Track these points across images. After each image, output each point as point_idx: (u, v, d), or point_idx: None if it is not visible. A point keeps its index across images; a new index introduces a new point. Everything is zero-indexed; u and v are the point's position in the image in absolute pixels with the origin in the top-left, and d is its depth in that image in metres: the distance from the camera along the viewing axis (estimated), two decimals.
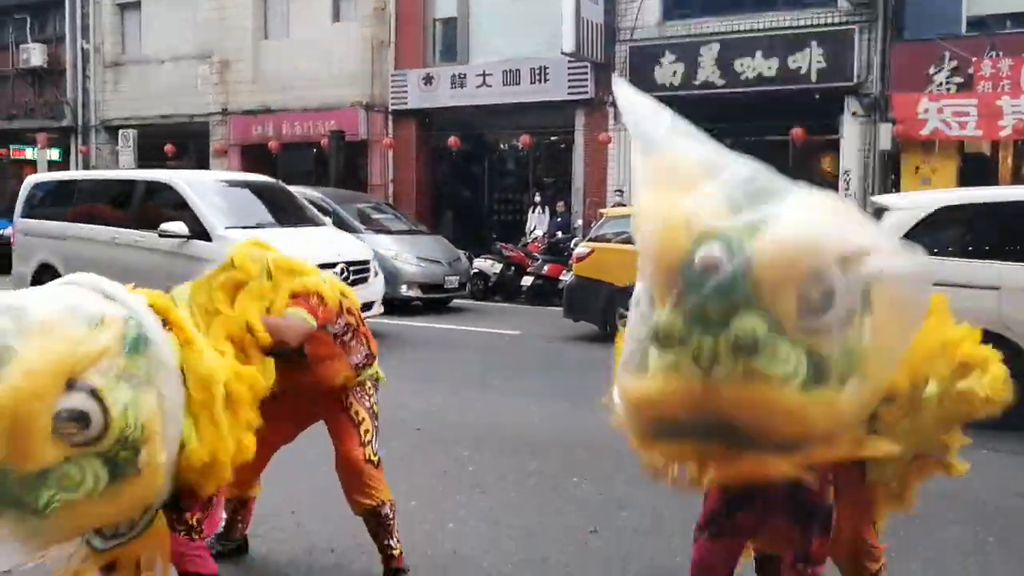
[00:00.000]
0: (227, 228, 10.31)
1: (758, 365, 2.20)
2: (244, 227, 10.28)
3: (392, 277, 12.72)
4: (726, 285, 2.22)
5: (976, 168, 15.41)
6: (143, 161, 23.61)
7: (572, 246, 14.27)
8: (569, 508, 5.05)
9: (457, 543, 4.54)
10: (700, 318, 2.24)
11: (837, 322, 2.26)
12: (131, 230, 11.05)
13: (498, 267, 15.64)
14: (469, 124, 20.06)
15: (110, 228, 11.31)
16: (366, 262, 11.10)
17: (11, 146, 27.43)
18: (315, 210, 12.30)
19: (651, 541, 4.54)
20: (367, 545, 3.99)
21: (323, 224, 11.82)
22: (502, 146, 21.15)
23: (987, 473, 5.38)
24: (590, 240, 11.77)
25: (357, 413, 3.90)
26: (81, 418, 2.51)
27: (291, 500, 4.89)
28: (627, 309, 9.21)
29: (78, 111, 25.55)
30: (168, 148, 23.15)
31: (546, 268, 14.75)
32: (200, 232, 10.38)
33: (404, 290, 13.25)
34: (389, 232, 14.55)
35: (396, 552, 3.93)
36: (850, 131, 15.81)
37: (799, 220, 2.29)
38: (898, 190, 15.72)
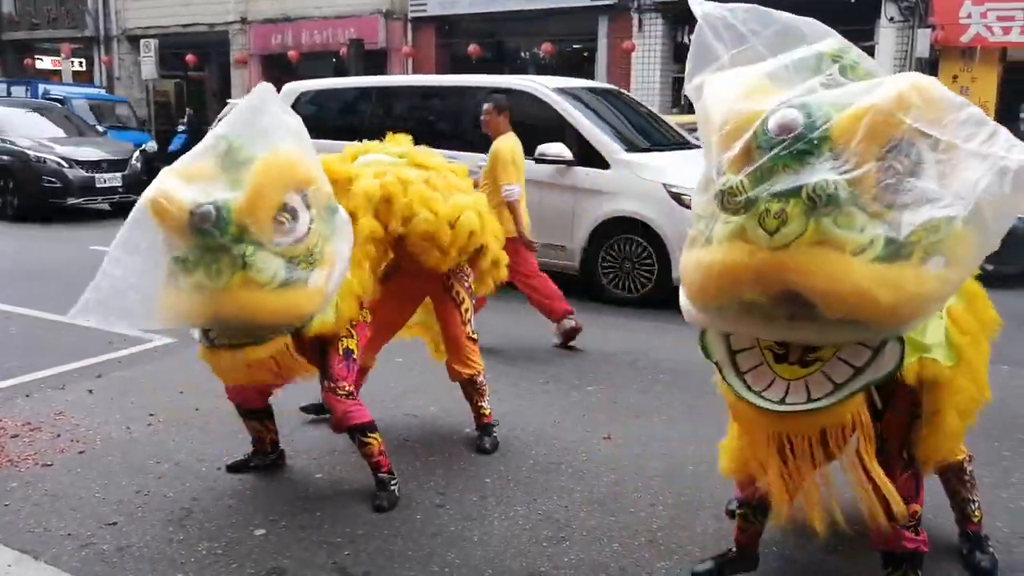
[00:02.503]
0: (628, 152, 8.21)
1: (831, 228, 2.09)
2: (642, 150, 8.47)
3: None
4: (801, 147, 2.12)
5: (1018, 77, 14.95)
6: (165, 71, 23.48)
7: None
8: (583, 415, 5.05)
9: (472, 448, 4.56)
10: (769, 181, 2.14)
11: (918, 198, 2.13)
12: (474, 153, 8.28)
13: None
14: (489, 32, 19.69)
15: (439, 151, 9.27)
16: None
17: (35, 56, 27.30)
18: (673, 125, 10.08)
19: (663, 448, 4.54)
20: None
21: (694, 144, 9.78)
22: (523, 54, 20.77)
23: (1007, 389, 5.34)
24: None
25: (458, 294, 4.46)
26: (294, 215, 3.31)
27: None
28: None
29: (99, 21, 25.32)
30: (190, 58, 22.98)
31: None
32: (585, 156, 8.16)
33: None
34: None
35: (487, 412, 4.65)
36: (886, 37, 15.36)
37: (885, 92, 2.17)
38: None
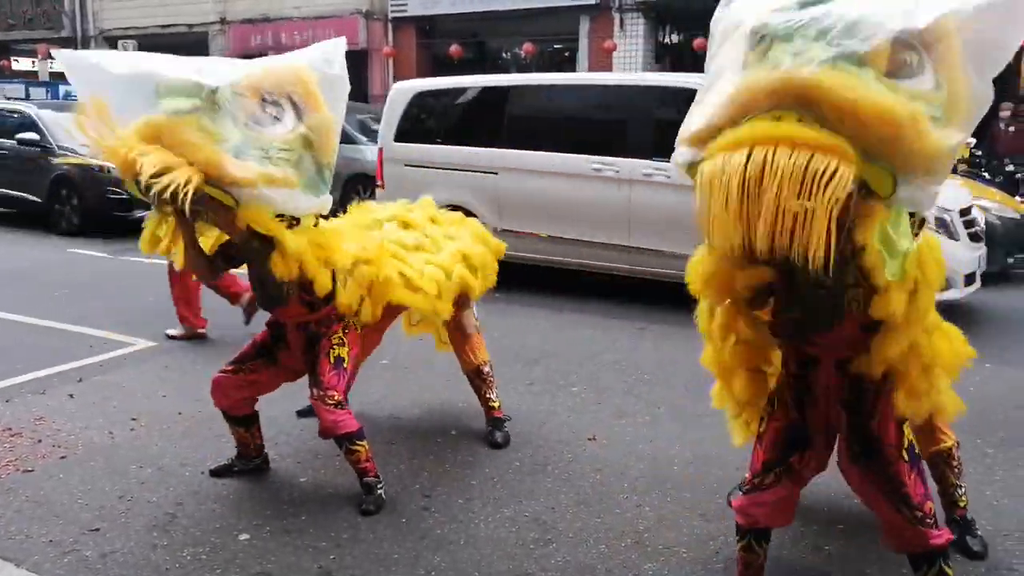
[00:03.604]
0: None
1: (849, 67, 2.19)
2: None
3: None
4: (821, 25, 2.26)
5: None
6: None
7: None
8: (568, 416, 5.04)
9: (458, 450, 4.55)
10: (792, 31, 2.28)
11: (928, 85, 2.25)
12: (638, 160, 7.63)
13: None
14: (470, 32, 19.68)
15: (593, 157, 7.85)
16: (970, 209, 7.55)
17: (11, 57, 27.05)
18: None
19: (648, 449, 4.54)
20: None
21: None
22: (504, 54, 20.77)
23: (990, 386, 5.37)
24: None
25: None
26: (280, 111, 3.46)
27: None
28: None
29: (76, 21, 25.12)
30: None
31: None
32: None
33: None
34: None
35: (496, 404, 4.71)
36: None
37: None
38: None
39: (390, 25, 20.20)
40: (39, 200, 12.45)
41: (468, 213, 8.18)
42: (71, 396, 5.31)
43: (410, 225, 4.41)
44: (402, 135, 8.94)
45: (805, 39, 2.24)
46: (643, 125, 7.87)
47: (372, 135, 14.24)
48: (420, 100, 9.02)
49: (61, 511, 3.83)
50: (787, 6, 2.36)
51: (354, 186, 13.06)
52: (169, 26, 23.16)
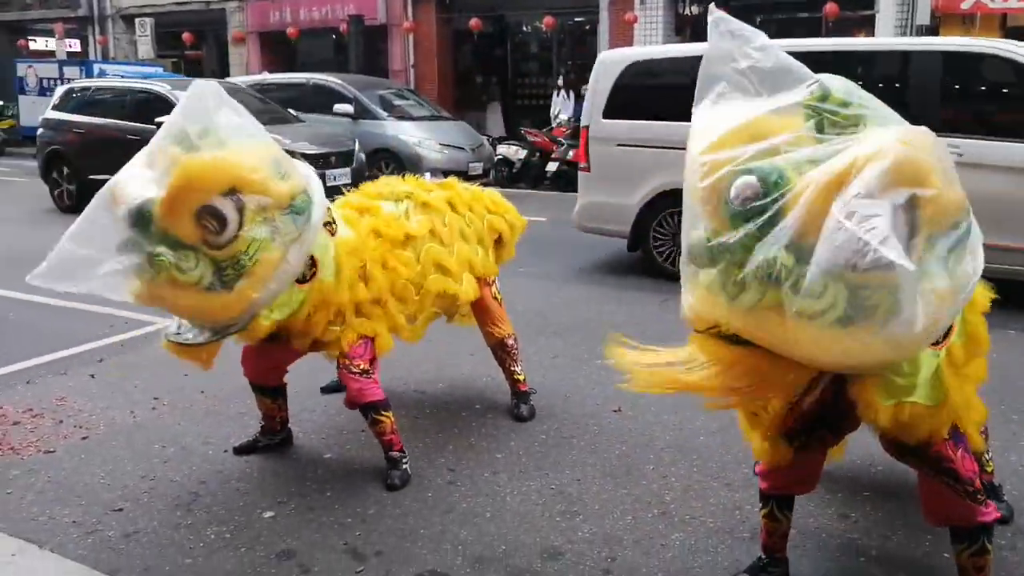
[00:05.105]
0: None
1: (787, 295, 2.14)
2: None
3: (414, 164, 12.46)
4: (758, 214, 2.18)
5: None
6: (161, 51, 23.31)
7: None
8: (593, 389, 4.99)
9: (483, 424, 4.51)
10: (730, 247, 2.23)
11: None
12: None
13: (522, 153, 15.27)
14: (490, 5, 19.50)
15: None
16: None
17: (28, 37, 27.08)
18: None
19: (674, 420, 4.48)
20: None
21: None
22: (525, 28, 20.59)
23: (1014, 352, 5.29)
24: None
25: None
26: (221, 220, 3.05)
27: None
28: None
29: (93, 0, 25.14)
30: (186, 37, 22.81)
31: (571, 153, 14.34)
32: None
33: (427, 177, 12.94)
34: (411, 119, 14.25)
35: (521, 377, 4.65)
36: (886, 5, 15.18)
37: (847, 159, 2.15)
38: None
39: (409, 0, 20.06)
40: None
41: None
42: (92, 376, 5.31)
43: (429, 206, 4.19)
44: (612, 111, 7.96)
45: (739, 263, 2.21)
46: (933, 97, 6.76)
47: (393, 110, 14.20)
48: (634, 71, 7.98)
49: (83, 491, 3.82)
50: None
51: (377, 161, 13.02)
52: (186, 3, 23.10)
